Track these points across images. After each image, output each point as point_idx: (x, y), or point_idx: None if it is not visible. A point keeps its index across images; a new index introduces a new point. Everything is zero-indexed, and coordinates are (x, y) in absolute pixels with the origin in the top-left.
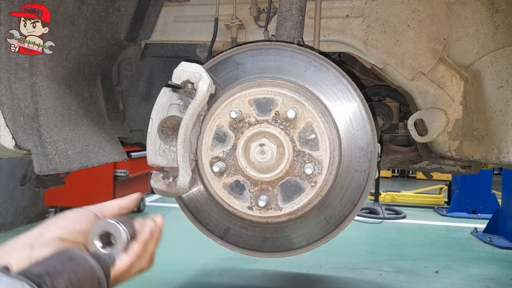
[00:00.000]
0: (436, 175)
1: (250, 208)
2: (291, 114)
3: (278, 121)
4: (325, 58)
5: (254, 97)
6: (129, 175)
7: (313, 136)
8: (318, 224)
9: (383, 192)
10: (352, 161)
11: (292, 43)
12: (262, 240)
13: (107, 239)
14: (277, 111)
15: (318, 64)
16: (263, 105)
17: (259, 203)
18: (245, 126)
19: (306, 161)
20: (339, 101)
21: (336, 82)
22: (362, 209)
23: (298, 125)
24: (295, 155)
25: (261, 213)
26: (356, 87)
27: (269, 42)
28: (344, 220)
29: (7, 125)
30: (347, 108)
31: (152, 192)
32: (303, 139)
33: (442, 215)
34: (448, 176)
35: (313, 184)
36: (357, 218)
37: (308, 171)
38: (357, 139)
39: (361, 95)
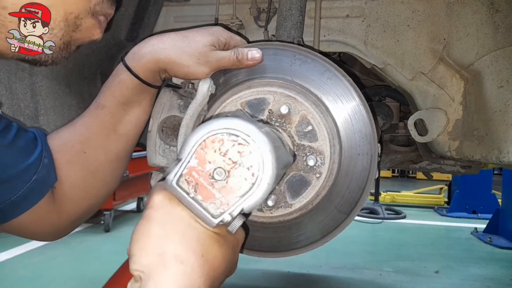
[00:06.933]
0: (436, 175)
1: (260, 209)
2: (284, 110)
3: (273, 118)
4: (309, 50)
5: (245, 99)
6: (129, 175)
7: (310, 127)
8: (330, 214)
9: (383, 192)
10: (353, 146)
11: (292, 42)
12: (278, 240)
13: None
14: (271, 109)
15: (302, 57)
16: (256, 106)
17: (268, 203)
18: None
19: (307, 154)
20: (330, 89)
21: (323, 71)
22: (362, 209)
23: (293, 119)
24: (295, 149)
25: (271, 213)
26: (344, 73)
27: (252, 43)
28: (355, 206)
29: None
30: (339, 95)
31: None
32: (300, 132)
33: (442, 215)
34: (448, 176)
35: (318, 175)
36: (357, 218)
37: (311, 162)
38: (354, 123)
39: (351, 79)
